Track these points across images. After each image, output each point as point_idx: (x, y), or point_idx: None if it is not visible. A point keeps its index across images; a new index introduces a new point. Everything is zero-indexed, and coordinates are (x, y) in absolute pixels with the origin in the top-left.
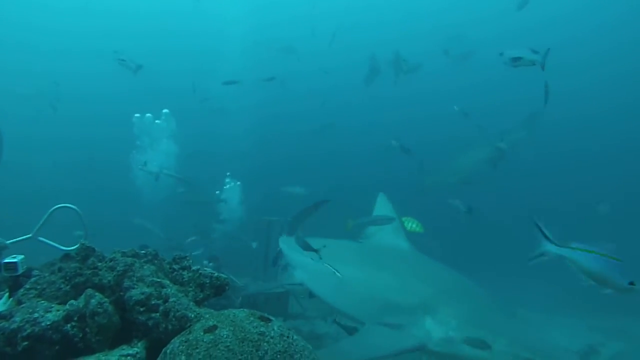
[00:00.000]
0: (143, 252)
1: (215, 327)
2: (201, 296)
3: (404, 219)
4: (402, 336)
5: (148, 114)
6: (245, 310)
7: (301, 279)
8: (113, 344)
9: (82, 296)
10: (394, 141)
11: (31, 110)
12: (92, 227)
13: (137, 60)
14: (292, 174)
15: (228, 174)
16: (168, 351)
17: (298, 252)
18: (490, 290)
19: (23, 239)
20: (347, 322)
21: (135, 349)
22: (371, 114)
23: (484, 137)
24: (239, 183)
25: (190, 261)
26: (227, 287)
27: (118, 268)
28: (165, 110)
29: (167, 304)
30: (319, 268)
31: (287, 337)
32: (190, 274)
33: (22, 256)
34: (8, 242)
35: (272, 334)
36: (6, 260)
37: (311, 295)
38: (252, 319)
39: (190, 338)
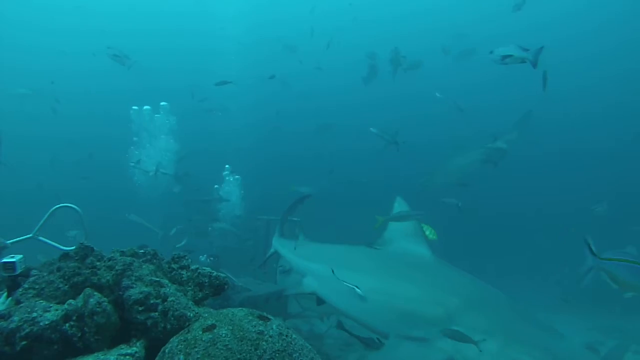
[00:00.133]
0: (142, 251)
1: (214, 326)
2: (200, 295)
3: None
4: (430, 350)
5: (146, 106)
6: (244, 309)
7: (312, 288)
8: (112, 344)
9: (81, 296)
10: (373, 128)
11: (29, 109)
12: (91, 227)
13: (132, 56)
14: (292, 174)
15: (227, 166)
16: (167, 350)
17: (307, 259)
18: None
19: (23, 239)
20: (351, 328)
21: (134, 348)
22: (371, 114)
23: (462, 118)
24: (237, 177)
25: (190, 260)
26: (226, 287)
27: (117, 267)
28: (163, 103)
29: (165, 303)
30: (334, 278)
31: (286, 336)
32: (189, 274)
33: (21, 256)
34: (8, 242)
35: (271, 333)
36: (4, 260)
37: (319, 302)
38: (251, 318)
39: (189, 337)
